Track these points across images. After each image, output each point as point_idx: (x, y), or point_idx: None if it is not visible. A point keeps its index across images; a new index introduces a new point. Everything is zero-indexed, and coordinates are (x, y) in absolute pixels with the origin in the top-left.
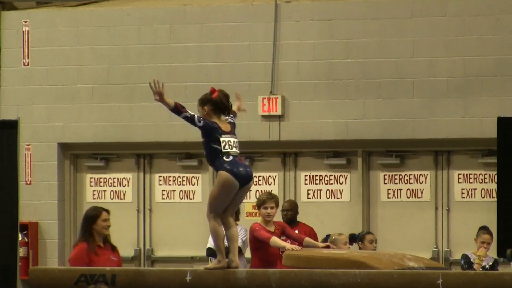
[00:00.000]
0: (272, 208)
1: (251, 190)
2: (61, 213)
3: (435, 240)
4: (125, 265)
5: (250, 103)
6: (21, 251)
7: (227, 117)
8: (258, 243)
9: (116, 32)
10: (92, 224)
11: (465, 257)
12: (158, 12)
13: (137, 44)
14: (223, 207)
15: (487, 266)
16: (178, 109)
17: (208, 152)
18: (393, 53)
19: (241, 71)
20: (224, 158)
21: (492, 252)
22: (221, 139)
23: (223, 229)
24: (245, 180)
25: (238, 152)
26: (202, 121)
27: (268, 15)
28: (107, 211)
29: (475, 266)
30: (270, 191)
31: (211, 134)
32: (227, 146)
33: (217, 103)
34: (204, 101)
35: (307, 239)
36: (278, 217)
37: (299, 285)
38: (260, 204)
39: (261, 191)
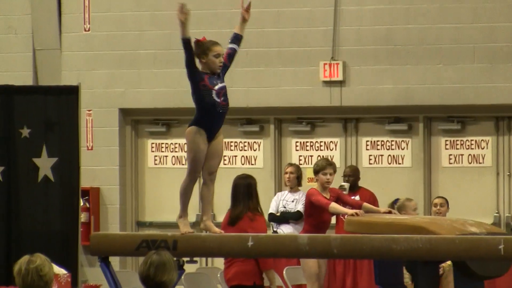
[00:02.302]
0: (331, 174)
1: (312, 156)
2: (122, 179)
3: (496, 205)
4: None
5: (311, 68)
6: (82, 216)
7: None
8: (312, 209)
9: None
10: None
11: None
12: None
13: (197, 10)
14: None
15: None
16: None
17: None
18: (453, 18)
19: (301, 37)
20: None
21: None
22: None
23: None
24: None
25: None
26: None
27: None
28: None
29: None
30: (327, 157)
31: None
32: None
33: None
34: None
35: (365, 204)
36: (336, 183)
37: (360, 250)
38: (319, 170)
39: (322, 156)
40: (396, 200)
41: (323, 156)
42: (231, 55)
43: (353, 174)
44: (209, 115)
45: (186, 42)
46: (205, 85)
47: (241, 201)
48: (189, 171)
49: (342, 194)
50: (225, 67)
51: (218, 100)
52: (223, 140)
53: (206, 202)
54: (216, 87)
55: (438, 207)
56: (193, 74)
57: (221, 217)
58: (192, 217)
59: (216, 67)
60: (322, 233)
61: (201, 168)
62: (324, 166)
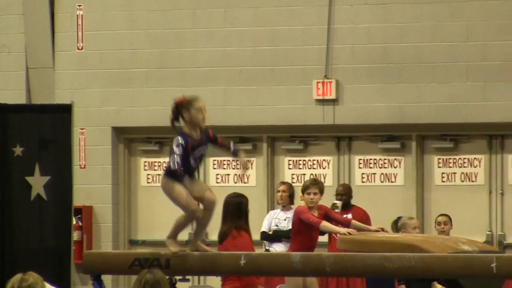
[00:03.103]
0: (315, 194)
1: (304, 174)
2: (115, 197)
3: (489, 223)
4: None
5: (304, 87)
6: (75, 235)
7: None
8: (301, 226)
9: (171, 15)
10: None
11: None
12: None
13: (191, 28)
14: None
15: None
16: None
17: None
18: (447, 37)
19: (295, 55)
20: None
21: None
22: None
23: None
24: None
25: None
26: None
27: None
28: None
29: None
30: (319, 175)
31: None
32: None
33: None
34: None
35: (354, 222)
36: (329, 202)
37: (353, 268)
38: (304, 189)
39: (316, 175)
40: (399, 218)
41: (315, 175)
42: (225, 148)
43: (345, 193)
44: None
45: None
46: (186, 149)
47: (229, 219)
48: (184, 211)
49: (330, 211)
50: (215, 142)
51: (193, 165)
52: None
53: (201, 225)
54: (196, 153)
55: (442, 226)
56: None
57: (212, 236)
58: (184, 235)
59: (199, 121)
60: (309, 251)
61: (193, 205)
62: (307, 186)
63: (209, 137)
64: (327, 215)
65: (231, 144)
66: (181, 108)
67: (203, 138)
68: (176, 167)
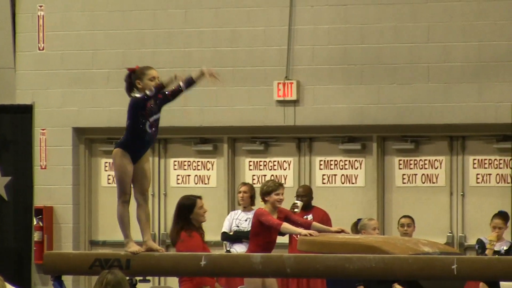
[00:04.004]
0: (282, 194)
1: (265, 175)
2: (76, 198)
3: (449, 225)
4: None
5: (265, 88)
6: (35, 235)
7: None
8: (261, 229)
9: (131, 16)
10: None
11: (479, 242)
12: None
13: (152, 29)
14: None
15: (502, 251)
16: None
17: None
18: (408, 38)
19: (256, 56)
20: None
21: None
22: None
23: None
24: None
25: None
26: None
27: (283, 0)
28: (200, 197)
29: (487, 251)
30: (280, 176)
31: None
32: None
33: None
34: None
35: (314, 223)
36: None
37: (314, 269)
38: (272, 190)
39: (276, 176)
40: (359, 220)
41: (276, 176)
42: (176, 92)
43: (306, 194)
44: (137, 141)
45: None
46: (143, 114)
47: (179, 221)
48: (119, 194)
49: (290, 213)
50: (166, 99)
51: (149, 131)
52: (149, 160)
53: (144, 223)
54: (151, 119)
55: (405, 228)
56: (137, 104)
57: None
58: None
59: (150, 89)
60: (268, 253)
61: (129, 189)
62: (277, 187)
63: (162, 99)
64: (287, 218)
65: (180, 83)
66: (134, 77)
67: (156, 106)
68: (151, 92)
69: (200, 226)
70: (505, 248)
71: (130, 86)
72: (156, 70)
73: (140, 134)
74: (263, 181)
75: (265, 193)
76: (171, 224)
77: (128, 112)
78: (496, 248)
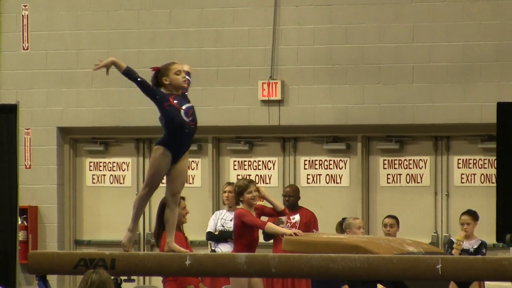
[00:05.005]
0: (255, 191)
1: (250, 175)
2: (61, 197)
3: (434, 225)
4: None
5: (249, 87)
6: (20, 235)
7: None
8: (244, 229)
9: (116, 16)
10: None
11: (449, 241)
12: None
13: (136, 29)
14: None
15: (471, 249)
16: (129, 73)
17: None
18: (392, 38)
19: (240, 56)
20: None
21: (487, 237)
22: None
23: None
24: None
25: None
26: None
27: (268, 0)
28: (183, 198)
29: (453, 251)
30: (265, 176)
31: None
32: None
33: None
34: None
35: (269, 224)
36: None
37: (299, 269)
38: (243, 190)
39: (261, 175)
40: (344, 219)
41: (260, 176)
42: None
43: (293, 194)
44: (177, 135)
45: (127, 72)
46: (172, 105)
47: (162, 221)
48: (145, 184)
49: (264, 207)
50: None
51: (186, 119)
52: (188, 162)
53: (170, 225)
54: (184, 107)
55: (388, 228)
56: (154, 97)
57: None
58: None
59: (180, 83)
60: (253, 251)
61: (157, 186)
62: (247, 185)
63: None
64: (263, 212)
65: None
66: (159, 75)
67: (187, 98)
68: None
69: (180, 227)
70: (474, 246)
71: (156, 86)
72: (179, 63)
73: (178, 127)
74: None
75: (238, 194)
76: (155, 224)
77: (159, 109)
78: (465, 247)
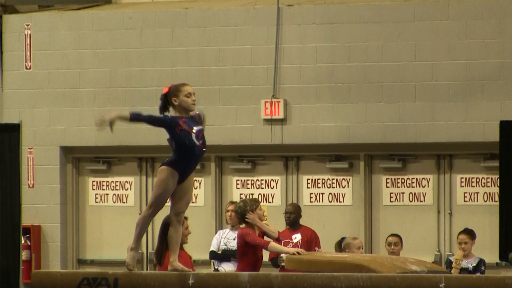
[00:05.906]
0: (260, 209)
1: (252, 194)
2: (64, 217)
3: (437, 243)
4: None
5: (252, 106)
6: (23, 254)
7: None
8: (247, 248)
9: (118, 35)
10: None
11: (447, 261)
12: (159, 15)
13: (138, 48)
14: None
15: (470, 268)
16: (135, 118)
17: None
18: (395, 56)
19: (243, 75)
20: None
21: (490, 255)
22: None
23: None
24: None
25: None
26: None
27: (270, 18)
28: (186, 218)
29: (452, 270)
30: (268, 195)
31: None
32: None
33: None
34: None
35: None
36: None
37: None
38: (255, 208)
39: (264, 194)
40: (343, 239)
41: (263, 195)
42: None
43: (294, 211)
44: (187, 157)
45: (132, 119)
46: (183, 129)
47: (164, 241)
48: (150, 204)
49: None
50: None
51: (197, 142)
52: (193, 183)
53: (174, 243)
54: (194, 130)
55: (392, 246)
56: (164, 126)
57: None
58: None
59: (189, 106)
60: (257, 271)
61: (162, 206)
62: (255, 204)
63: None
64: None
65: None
66: (169, 95)
67: (195, 120)
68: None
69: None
70: (473, 264)
71: (164, 105)
72: (191, 86)
73: (189, 149)
74: None
75: (241, 215)
76: (157, 243)
77: (169, 134)
78: (464, 265)
